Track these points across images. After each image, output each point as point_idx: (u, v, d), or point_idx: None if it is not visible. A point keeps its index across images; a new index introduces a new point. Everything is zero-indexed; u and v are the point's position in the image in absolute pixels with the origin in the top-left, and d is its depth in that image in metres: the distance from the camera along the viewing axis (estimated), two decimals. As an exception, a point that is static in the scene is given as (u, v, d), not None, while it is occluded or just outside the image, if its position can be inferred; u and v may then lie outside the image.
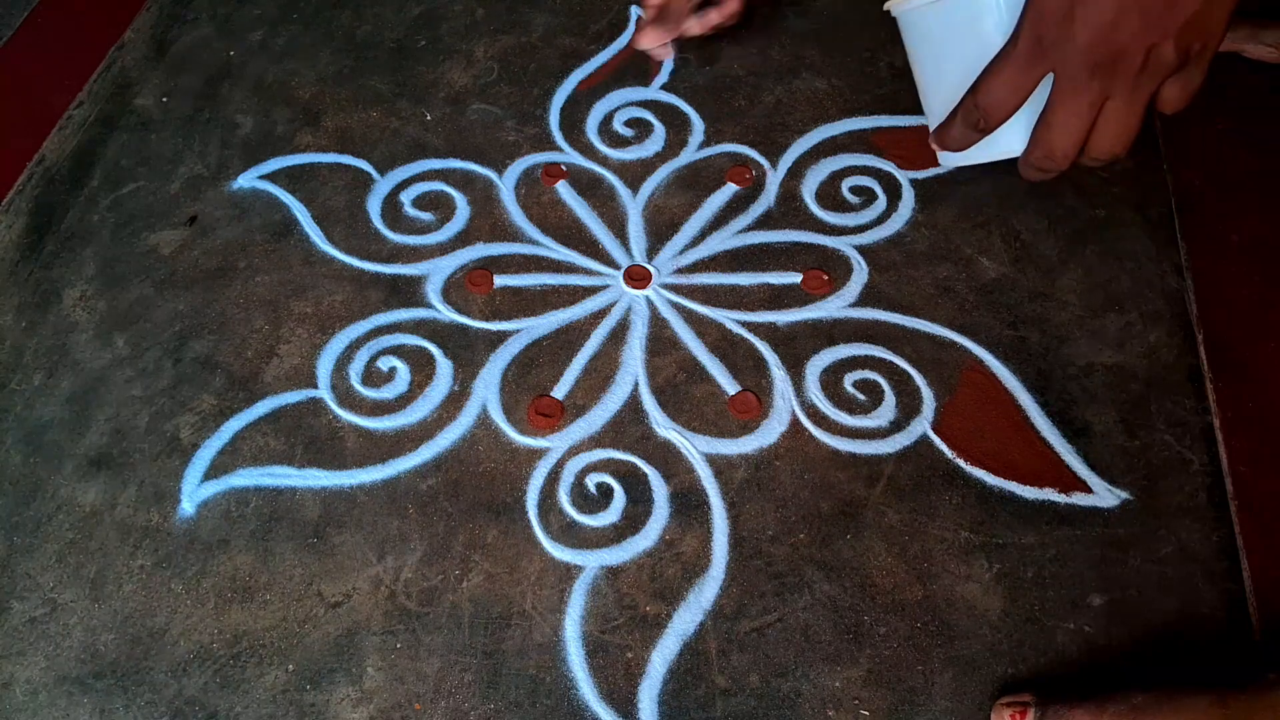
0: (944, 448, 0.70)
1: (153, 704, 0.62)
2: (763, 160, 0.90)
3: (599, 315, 0.80)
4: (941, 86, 0.55)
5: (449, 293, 0.82)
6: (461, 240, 0.86)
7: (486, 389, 0.76)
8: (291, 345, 0.79)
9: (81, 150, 0.95)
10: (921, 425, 0.71)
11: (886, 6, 0.56)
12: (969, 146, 0.51)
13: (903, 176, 0.86)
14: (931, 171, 0.86)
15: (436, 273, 0.83)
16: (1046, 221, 0.82)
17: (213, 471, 0.72)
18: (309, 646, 0.64)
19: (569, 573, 0.66)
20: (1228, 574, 0.64)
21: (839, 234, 0.83)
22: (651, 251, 0.84)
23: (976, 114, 0.47)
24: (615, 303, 0.81)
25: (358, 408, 0.75)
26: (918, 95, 0.65)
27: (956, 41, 0.50)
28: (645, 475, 0.70)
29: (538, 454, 0.72)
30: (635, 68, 0.98)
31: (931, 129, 0.57)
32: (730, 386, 0.75)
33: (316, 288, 0.83)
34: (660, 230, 0.85)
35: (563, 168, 0.91)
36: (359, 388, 0.76)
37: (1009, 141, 0.52)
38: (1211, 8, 0.39)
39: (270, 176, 0.92)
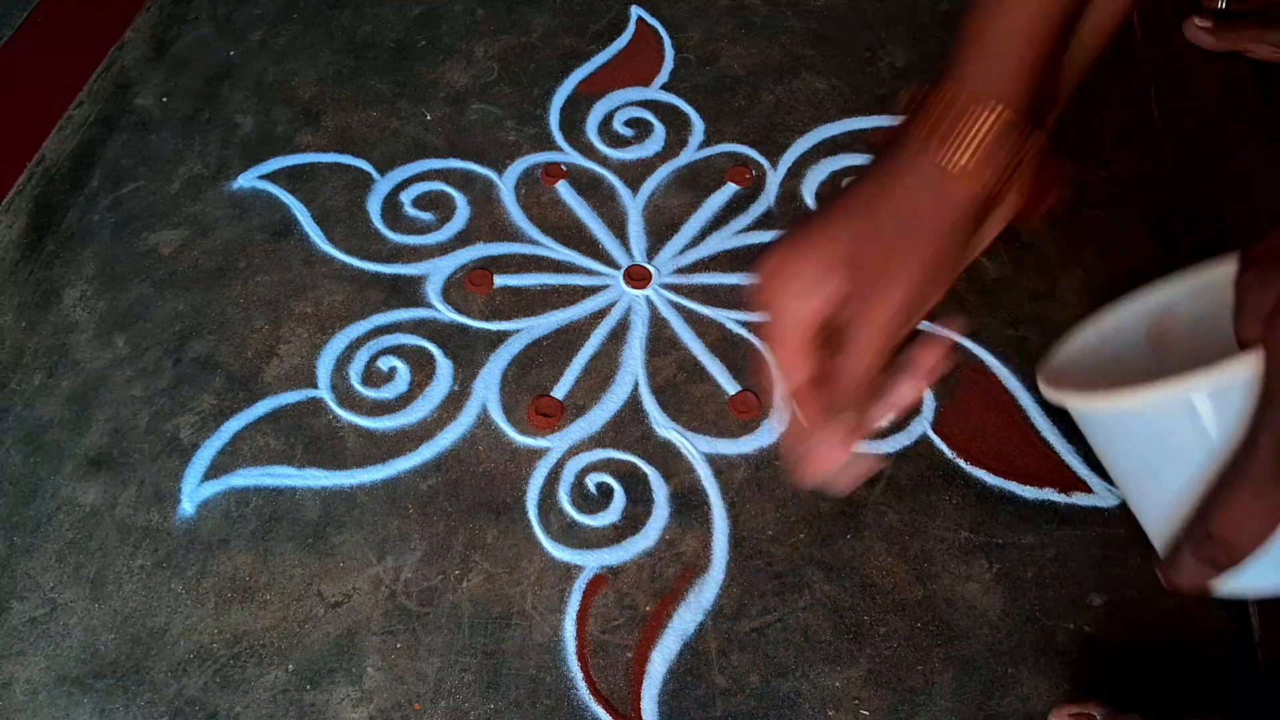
0: (944, 447, 0.70)
1: (153, 704, 0.62)
2: (763, 160, 0.90)
3: (599, 315, 0.80)
4: (1159, 494, 0.38)
5: (449, 292, 0.82)
6: (461, 240, 0.86)
7: (486, 389, 0.76)
8: (291, 345, 0.79)
9: (81, 150, 0.95)
10: (921, 425, 0.71)
11: (1060, 402, 0.38)
12: (1209, 584, 0.35)
13: (903, 176, 0.86)
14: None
15: (436, 272, 0.83)
16: (1046, 222, 0.82)
17: (213, 471, 0.72)
18: (309, 646, 0.64)
19: (569, 573, 0.66)
20: (1228, 574, 0.63)
21: (839, 234, 0.83)
22: (651, 251, 0.84)
23: (1213, 548, 0.33)
24: (615, 303, 0.81)
25: (358, 408, 0.75)
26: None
27: (1183, 441, 0.35)
28: (645, 475, 0.70)
29: (538, 454, 0.72)
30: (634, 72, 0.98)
31: (1156, 541, 0.38)
32: (730, 386, 0.75)
33: (316, 288, 0.83)
34: (660, 230, 0.85)
35: (563, 167, 0.90)
36: (359, 388, 0.76)
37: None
38: None
39: (270, 176, 0.92)
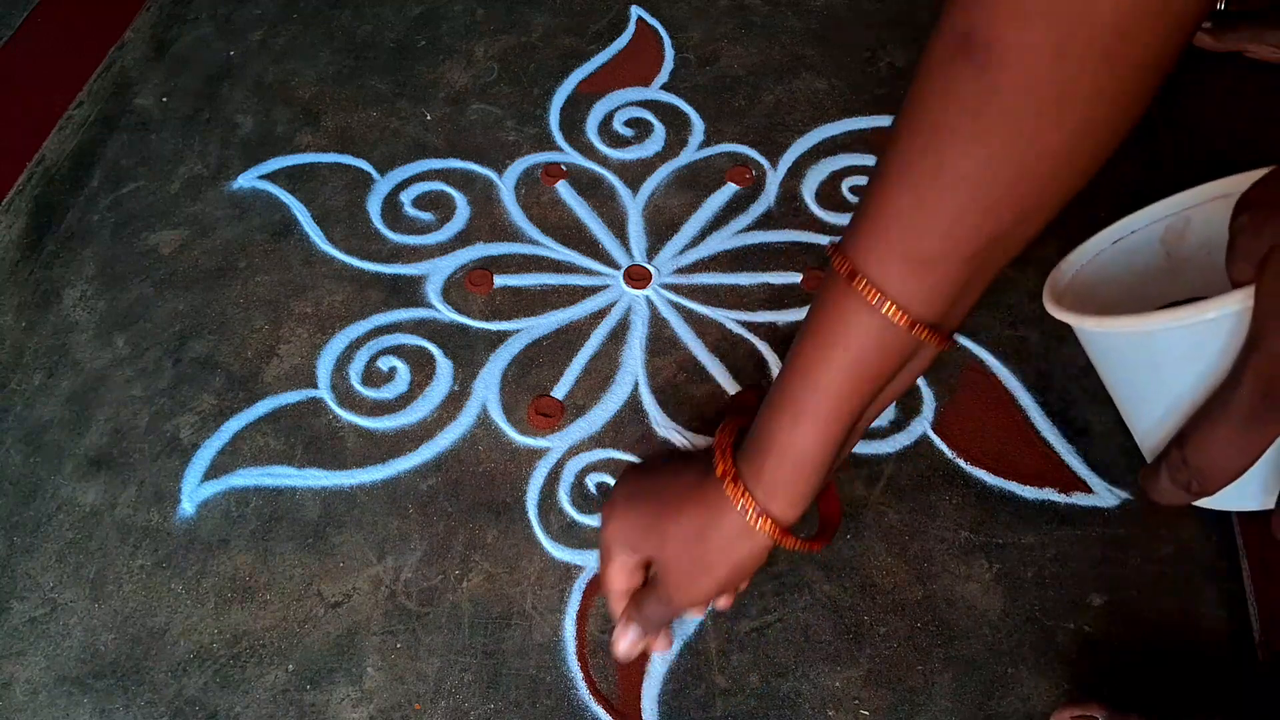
0: (944, 448, 0.70)
1: (153, 704, 0.62)
2: (763, 160, 0.90)
3: (599, 315, 0.80)
4: (1148, 410, 0.41)
5: (449, 292, 0.82)
6: (461, 240, 0.86)
7: (486, 389, 0.76)
8: (291, 345, 0.79)
9: (81, 150, 0.95)
10: (921, 425, 0.71)
11: (1067, 319, 0.42)
12: (1181, 504, 0.38)
13: (903, 176, 0.86)
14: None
15: (436, 272, 0.83)
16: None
17: (213, 471, 0.72)
18: (309, 646, 0.64)
19: (569, 573, 0.66)
20: (1228, 574, 0.64)
21: (839, 234, 0.83)
22: (651, 251, 0.84)
23: (1188, 474, 0.35)
24: (615, 303, 0.81)
25: (358, 408, 0.75)
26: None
27: (1172, 368, 0.37)
28: (645, 475, 0.70)
29: (538, 454, 0.72)
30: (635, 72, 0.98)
31: (1143, 450, 0.42)
32: (730, 386, 0.75)
33: (316, 288, 0.83)
34: (660, 230, 0.85)
35: (563, 168, 0.91)
36: (359, 388, 0.76)
37: (1254, 496, 0.38)
38: None
39: (270, 176, 0.92)
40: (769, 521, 0.45)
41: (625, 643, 0.52)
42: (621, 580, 0.51)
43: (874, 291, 0.40)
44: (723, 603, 0.52)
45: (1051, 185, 0.37)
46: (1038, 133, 0.33)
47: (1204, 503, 0.37)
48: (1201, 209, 0.49)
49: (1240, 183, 0.46)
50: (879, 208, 0.40)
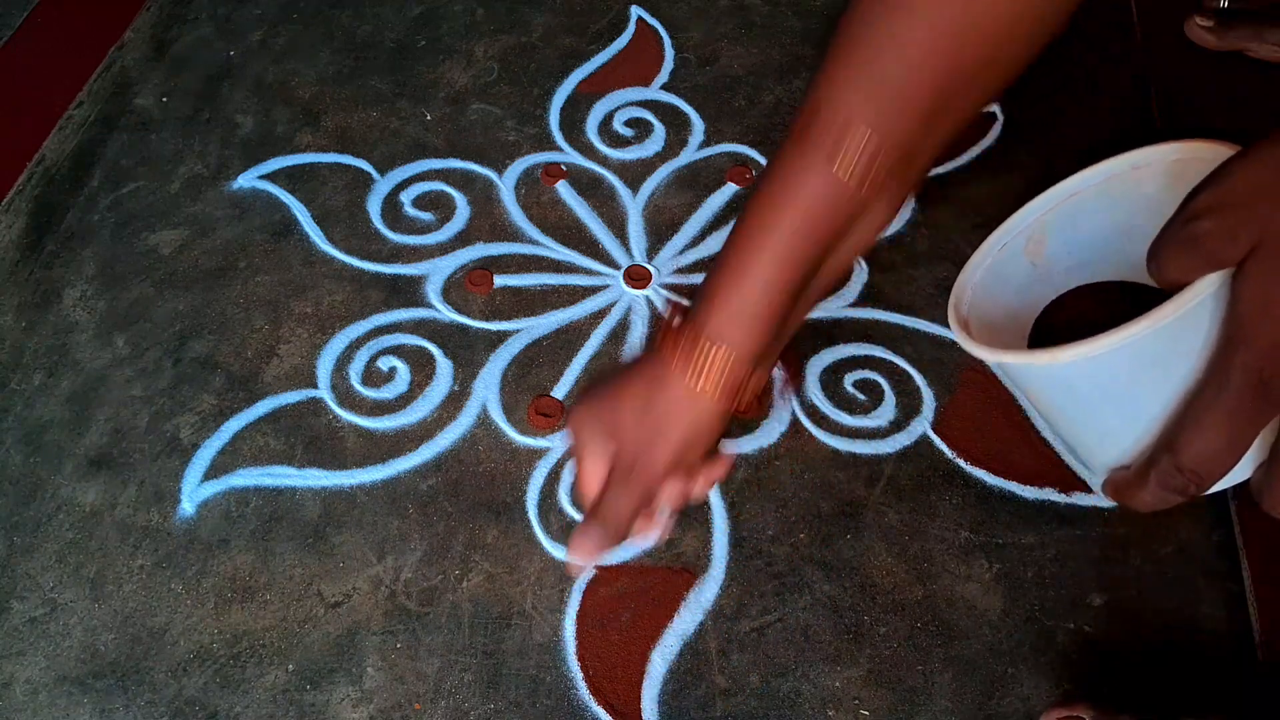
0: (944, 448, 0.70)
1: (153, 704, 0.62)
2: (763, 160, 0.90)
3: (599, 315, 0.80)
4: (1102, 430, 0.39)
5: (449, 292, 0.82)
6: (461, 240, 0.86)
7: (486, 389, 0.76)
8: (291, 345, 0.79)
9: (81, 150, 0.95)
10: (921, 425, 0.71)
11: (991, 359, 0.40)
12: (1170, 506, 0.38)
13: (903, 176, 0.86)
14: (932, 172, 0.86)
15: (436, 273, 0.83)
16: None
17: (213, 471, 0.72)
18: (309, 646, 0.64)
19: (569, 573, 0.66)
20: (1228, 574, 0.64)
21: (839, 234, 0.83)
22: (651, 251, 0.84)
23: (1182, 478, 0.35)
24: (615, 302, 0.81)
25: (358, 408, 0.75)
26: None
27: (1131, 382, 0.36)
28: (645, 475, 0.70)
29: (538, 454, 0.72)
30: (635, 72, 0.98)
31: (1093, 476, 0.44)
32: (730, 386, 0.74)
33: (316, 288, 0.83)
34: (660, 230, 0.85)
35: (563, 168, 0.91)
36: (359, 388, 0.76)
37: (1239, 472, 0.37)
38: None
39: (270, 176, 0.92)
40: (712, 377, 0.46)
41: (582, 546, 0.49)
42: (597, 469, 0.51)
43: (826, 149, 0.42)
44: (699, 490, 0.52)
45: (1016, 26, 0.40)
46: None
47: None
48: (1055, 212, 0.51)
49: (1089, 178, 0.48)
50: (833, 67, 0.42)
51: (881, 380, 0.74)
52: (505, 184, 0.90)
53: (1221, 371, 0.32)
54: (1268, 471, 0.35)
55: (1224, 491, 0.66)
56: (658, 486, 0.49)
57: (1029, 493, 0.68)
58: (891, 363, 0.75)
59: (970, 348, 0.43)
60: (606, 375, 0.52)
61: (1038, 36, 0.41)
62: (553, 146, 0.92)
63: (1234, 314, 0.30)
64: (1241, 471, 0.36)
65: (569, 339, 0.78)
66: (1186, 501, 0.36)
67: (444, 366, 0.77)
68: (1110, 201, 0.49)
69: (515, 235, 0.86)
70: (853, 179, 0.41)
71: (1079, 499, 0.67)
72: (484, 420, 0.74)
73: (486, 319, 0.80)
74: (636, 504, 0.49)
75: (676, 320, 0.48)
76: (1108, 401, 0.37)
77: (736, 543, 0.67)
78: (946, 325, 0.76)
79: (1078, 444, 0.42)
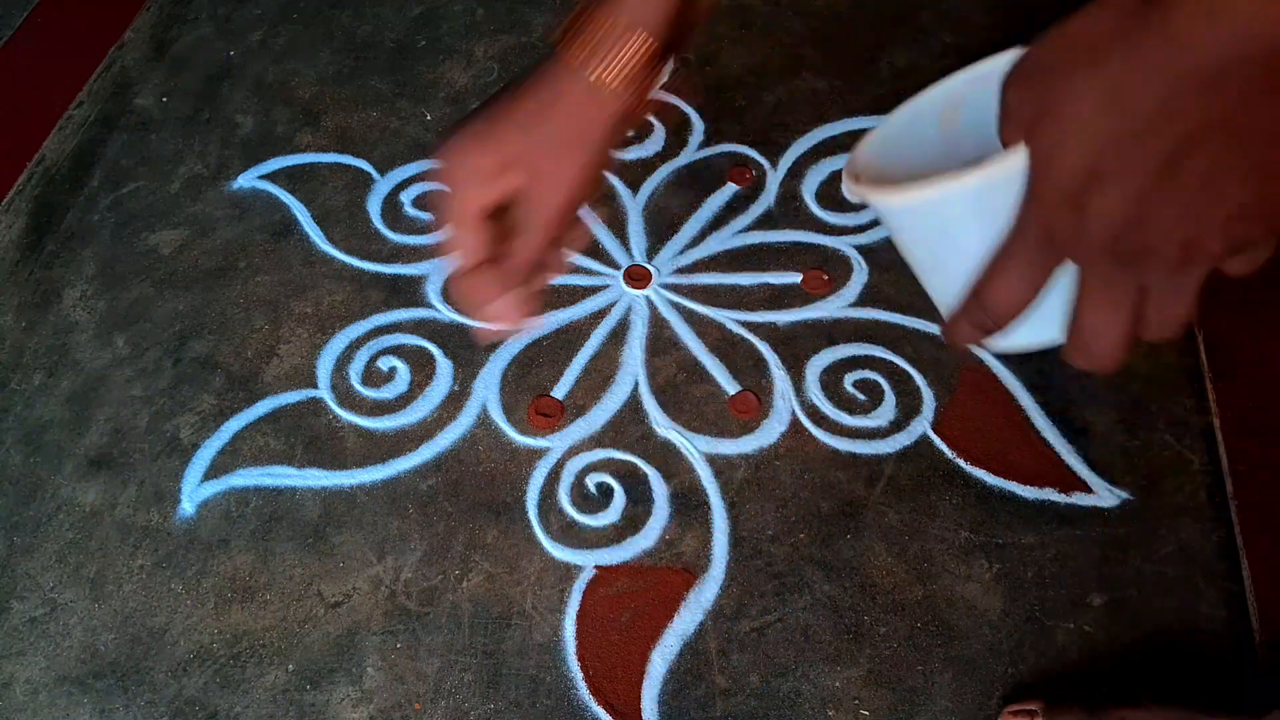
0: (944, 448, 0.70)
1: (153, 704, 0.62)
2: (763, 160, 0.90)
3: (599, 315, 0.80)
4: (944, 273, 0.44)
5: (449, 292, 0.82)
6: (461, 240, 0.85)
7: (486, 389, 0.76)
8: (291, 345, 0.79)
9: (81, 150, 0.95)
10: (921, 425, 0.71)
11: (859, 197, 0.44)
12: (983, 343, 0.42)
13: (903, 176, 0.86)
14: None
15: (436, 272, 0.83)
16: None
17: (213, 471, 0.72)
18: (309, 646, 0.64)
19: (569, 573, 0.66)
20: (1228, 574, 0.64)
21: (839, 234, 0.83)
22: (651, 251, 0.84)
23: (982, 315, 0.39)
24: (615, 303, 0.81)
25: (358, 408, 0.75)
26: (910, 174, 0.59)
27: (961, 228, 0.40)
28: (645, 475, 0.70)
29: (538, 454, 0.72)
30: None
31: (943, 312, 0.44)
32: (730, 386, 0.75)
33: (316, 288, 0.83)
34: (660, 230, 0.85)
35: (563, 168, 0.90)
36: (359, 388, 0.76)
37: (1050, 330, 0.41)
38: (1273, 193, 0.31)
39: (270, 176, 0.92)
40: (621, 64, 0.43)
41: (500, 306, 0.46)
42: (479, 233, 0.44)
43: None
44: (560, 262, 0.47)
45: None
46: None
47: (1007, 344, 0.42)
48: (972, 88, 0.53)
49: (1002, 60, 0.50)
50: None
51: (881, 380, 0.74)
52: (505, 184, 0.89)
53: (1020, 221, 0.36)
54: (1068, 331, 0.38)
55: (1224, 491, 0.66)
56: (563, 218, 0.44)
57: (1029, 493, 0.68)
58: (891, 363, 0.75)
59: (847, 189, 0.45)
60: (489, 99, 0.45)
61: None
62: (553, 146, 0.92)
63: (1029, 172, 0.34)
64: (1048, 331, 0.40)
65: (569, 339, 0.78)
66: (988, 337, 0.39)
67: (444, 366, 0.77)
68: None
69: (515, 235, 0.86)
70: None
71: (1079, 499, 0.67)
72: (484, 420, 0.74)
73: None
74: (543, 235, 0.44)
75: (577, 15, 0.43)
76: (946, 245, 0.42)
77: (736, 543, 0.67)
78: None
79: (930, 287, 0.46)
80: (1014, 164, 0.35)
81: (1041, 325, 0.40)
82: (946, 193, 0.38)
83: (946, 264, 0.42)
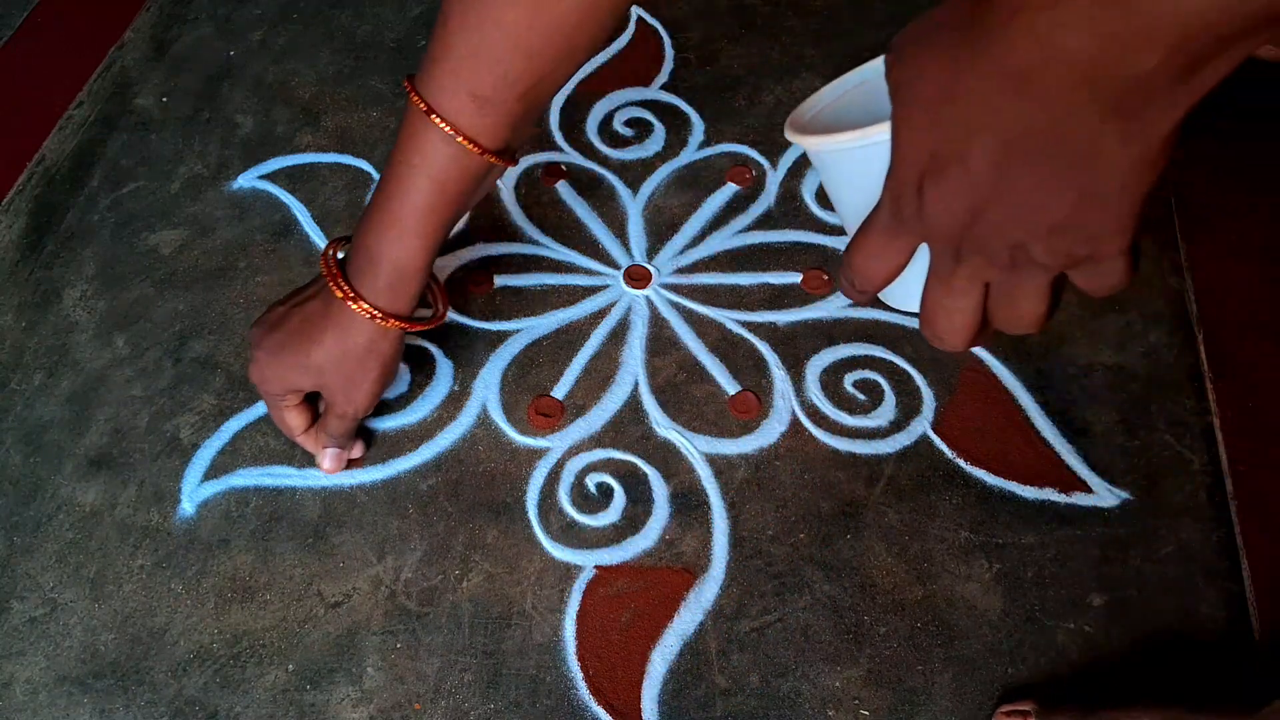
0: (944, 448, 0.70)
1: (153, 704, 0.62)
2: (763, 160, 0.90)
3: (599, 315, 0.80)
4: (855, 223, 0.44)
5: (449, 292, 0.82)
6: (461, 240, 0.86)
7: (486, 389, 0.76)
8: (291, 345, 0.79)
9: (81, 150, 0.95)
10: (921, 425, 0.71)
11: (800, 140, 0.45)
12: (856, 301, 0.43)
13: (903, 176, 0.86)
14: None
15: (436, 272, 0.83)
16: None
17: (213, 471, 0.72)
18: (309, 646, 0.64)
19: (569, 573, 0.66)
20: (1228, 574, 0.64)
21: (839, 234, 0.83)
22: (651, 251, 0.84)
23: (852, 275, 0.39)
24: (615, 302, 0.81)
25: (358, 408, 0.75)
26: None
27: (862, 182, 0.41)
28: (645, 475, 0.70)
29: (538, 454, 0.72)
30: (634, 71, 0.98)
31: None
32: (730, 386, 0.75)
33: (316, 288, 0.83)
34: (660, 230, 0.85)
35: (563, 168, 0.91)
36: (359, 388, 0.76)
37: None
38: (1090, 213, 0.30)
39: (270, 176, 0.92)
40: (392, 319, 0.58)
41: (329, 462, 0.68)
42: (298, 420, 0.66)
43: (449, 126, 0.51)
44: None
45: (580, 34, 0.49)
46: None
47: (894, 301, 0.44)
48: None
49: None
50: (445, 50, 0.50)
51: (881, 380, 0.74)
52: (505, 184, 0.90)
53: (883, 194, 0.36)
54: (920, 306, 0.39)
55: (1224, 491, 0.66)
56: (358, 414, 0.64)
57: (1029, 493, 0.68)
58: (891, 363, 0.75)
59: (789, 133, 0.47)
60: (275, 319, 0.61)
61: (610, 23, 0.50)
62: (553, 146, 0.92)
63: (891, 146, 0.35)
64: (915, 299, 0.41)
65: (569, 339, 0.78)
66: (864, 297, 0.40)
67: (444, 366, 0.77)
68: None
69: (515, 235, 0.86)
70: (475, 153, 0.53)
71: (1079, 499, 0.67)
72: (484, 420, 0.74)
73: (486, 319, 0.80)
74: (353, 426, 0.66)
75: (337, 271, 0.58)
76: (852, 195, 0.43)
77: (736, 543, 0.67)
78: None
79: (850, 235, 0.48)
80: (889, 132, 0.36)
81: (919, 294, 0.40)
82: (838, 144, 0.40)
83: (857, 214, 0.42)
